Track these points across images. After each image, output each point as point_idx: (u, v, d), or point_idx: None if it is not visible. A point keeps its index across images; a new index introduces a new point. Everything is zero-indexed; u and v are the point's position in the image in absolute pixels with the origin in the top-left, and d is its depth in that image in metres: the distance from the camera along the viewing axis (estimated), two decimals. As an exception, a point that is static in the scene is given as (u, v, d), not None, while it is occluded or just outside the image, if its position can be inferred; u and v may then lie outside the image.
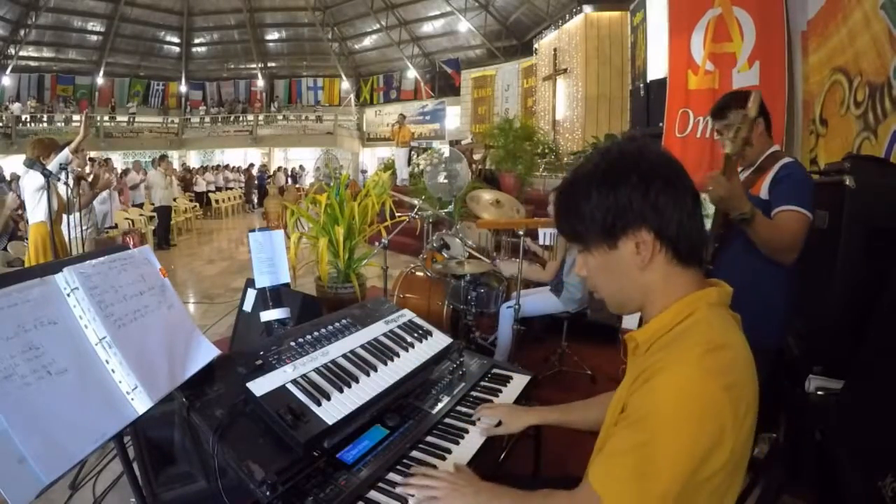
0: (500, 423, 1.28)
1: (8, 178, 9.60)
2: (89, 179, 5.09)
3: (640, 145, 0.80)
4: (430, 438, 1.26)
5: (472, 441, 1.26)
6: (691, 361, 0.69)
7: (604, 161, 0.79)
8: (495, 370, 1.64)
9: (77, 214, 3.92)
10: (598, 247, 0.80)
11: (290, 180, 17.69)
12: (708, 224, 1.97)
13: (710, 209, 1.59)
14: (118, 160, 15.50)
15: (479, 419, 1.31)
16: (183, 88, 21.11)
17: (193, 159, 20.38)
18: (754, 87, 3.40)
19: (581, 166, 0.83)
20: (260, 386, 1.12)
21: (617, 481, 0.70)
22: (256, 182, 17.35)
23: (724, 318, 0.77)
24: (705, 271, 1.83)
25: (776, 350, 1.79)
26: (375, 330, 1.51)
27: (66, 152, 3.58)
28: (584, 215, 0.79)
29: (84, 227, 3.93)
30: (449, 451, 1.21)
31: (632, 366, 0.85)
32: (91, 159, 8.97)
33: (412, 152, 11.10)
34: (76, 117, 17.21)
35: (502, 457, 1.54)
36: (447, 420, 1.34)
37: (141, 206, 9.78)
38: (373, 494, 1.06)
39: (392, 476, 1.11)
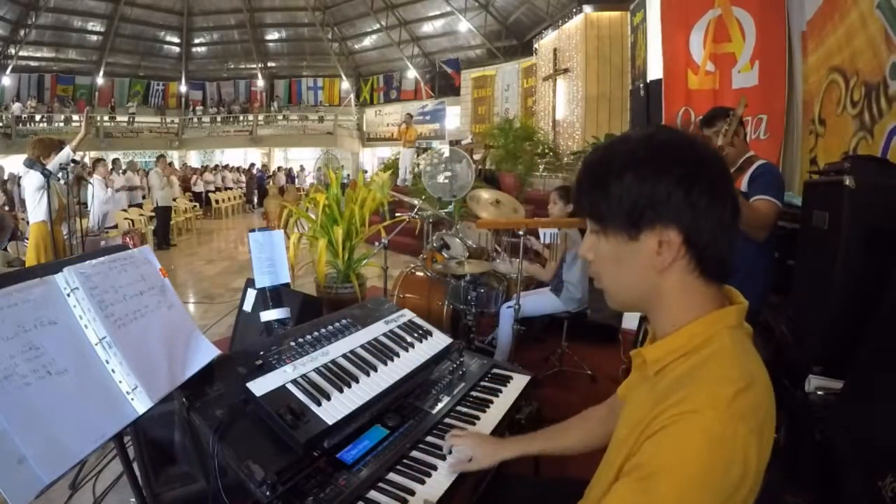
0: (471, 459, 1.14)
1: (6, 178, 9.59)
2: (90, 181, 5.09)
3: (691, 136, 0.72)
4: (430, 438, 1.26)
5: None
6: (719, 406, 0.61)
7: (649, 143, 0.70)
8: (495, 370, 1.64)
9: (67, 216, 3.91)
10: (616, 233, 0.71)
11: (288, 180, 17.68)
12: None
13: None
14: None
15: (449, 450, 1.16)
16: (183, 88, 21.11)
17: (193, 159, 20.38)
18: (754, 87, 3.41)
19: (619, 142, 0.74)
20: (260, 386, 1.12)
21: None
22: (256, 182, 17.35)
23: (745, 345, 0.70)
24: None
25: (754, 313, 2.04)
26: (375, 330, 1.51)
27: (66, 151, 3.59)
28: (611, 194, 0.70)
29: (70, 232, 3.91)
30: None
31: (640, 386, 0.79)
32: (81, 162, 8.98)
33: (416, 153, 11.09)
34: (76, 117, 17.22)
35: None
36: (447, 420, 1.34)
37: (141, 206, 9.79)
38: (373, 494, 1.06)
39: (392, 476, 1.11)
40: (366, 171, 16.81)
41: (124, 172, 9.70)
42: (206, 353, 1.19)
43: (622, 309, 0.80)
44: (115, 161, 10.73)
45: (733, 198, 0.70)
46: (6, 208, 6.70)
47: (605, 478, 0.76)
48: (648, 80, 5.21)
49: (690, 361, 0.69)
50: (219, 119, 20.55)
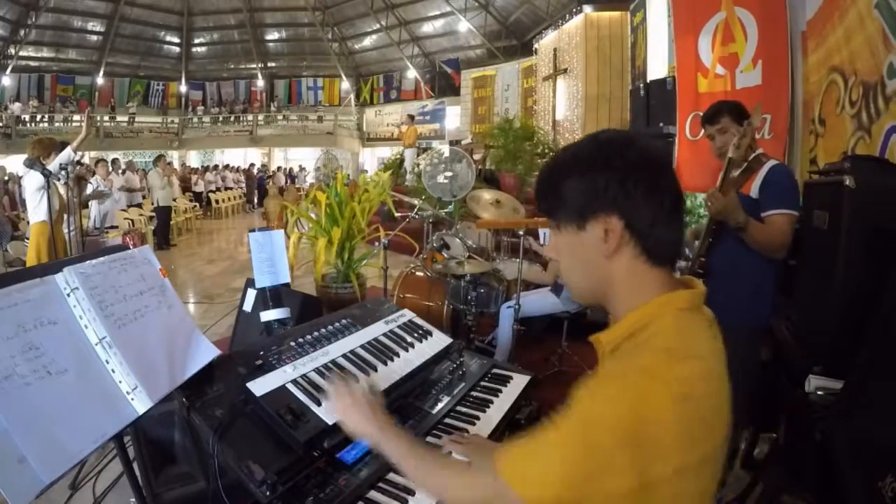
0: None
1: (6, 178, 9.59)
2: (90, 181, 5.10)
3: (632, 134, 0.79)
4: (430, 438, 1.26)
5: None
6: (648, 368, 0.65)
7: (591, 144, 0.79)
8: (495, 370, 1.64)
9: (70, 217, 3.91)
10: (567, 225, 0.79)
11: (288, 180, 17.69)
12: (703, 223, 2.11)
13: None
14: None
15: (448, 454, 1.16)
16: (183, 88, 21.11)
17: (193, 159, 20.38)
18: (757, 87, 3.41)
19: (569, 146, 0.83)
20: (260, 386, 1.12)
21: (521, 464, 0.69)
22: (256, 182, 17.36)
23: (694, 325, 0.74)
24: (699, 262, 1.96)
25: (766, 328, 2.03)
26: (375, 330, 1.51)
27: (68, 151, 3.59)
28: (560, 191, 0.78)
29: (70, 229, 3.91)
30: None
31: (599, 368, 0.83)
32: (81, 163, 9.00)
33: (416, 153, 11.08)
34: (76, 117, 17.23)
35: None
36: (447, 420, 1.34)
37: (140, 206, 9.79)
38: (373, 494, 1.06)
39: (392, 476, 1.11)
40: (365, 171, 16.85)
41: (123, 172, 9.70)
42: (206, 353, 1.19)
43: (585, 301, 0.86)
44: (114, 161, 10.72)
45: (673, 188, 0.76)
46: (6, 209, 6.70)
47: None
48: (648, 80, 5.21)
49: (635, 340, 0.74)
50: (219, 119, 20.55)
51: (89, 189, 6.57)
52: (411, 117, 11.74)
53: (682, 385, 0.64)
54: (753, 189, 1.93)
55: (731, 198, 1.79)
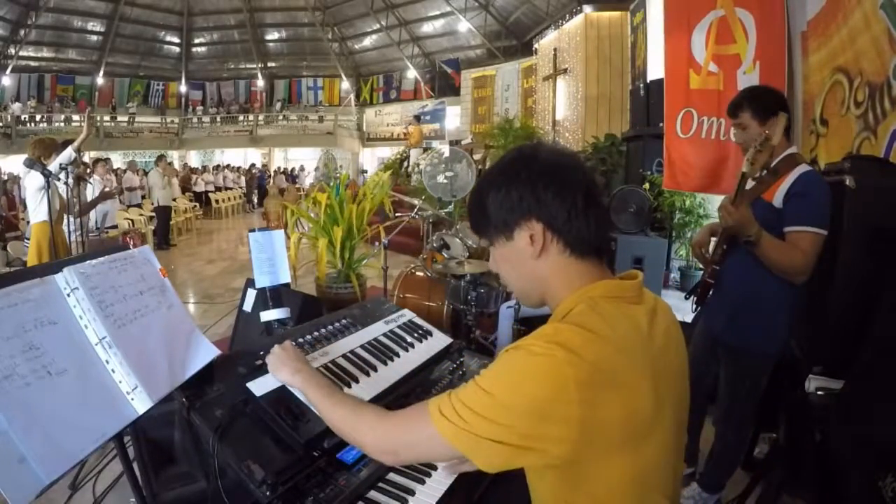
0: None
1: (4, 177, 9.59)
2: (90, 181, 5.09)
3: (536, 146, 0.87)
4: (430, 438, 1.26)
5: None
6: (544, 336, 0.73)
7: (502, 162, 0.88)
8: (495, 370, 1.64)
9: (70, 217, 3.91)
10: (498, 239, 0.87)
11: (288, 180, 17.69)
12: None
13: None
14: (117, 160, 15.51)
15: None
16: (183, 88, 21.11)
17: (193, 159, 20.38)
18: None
19: (488, 169, 0.92)
20: (260, 386, 1.12)
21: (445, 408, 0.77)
22: (256, 182, 17.36)
23: (608, 312, 0.78)
24: (712, 271, 1.86)
25: (777, 355, 1.81)
26: (375, 330, 1.51)
27: (69, 151, 3.59)
28: (486, 211, 0.86)
29: (74, 230, 3.92)
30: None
31: None
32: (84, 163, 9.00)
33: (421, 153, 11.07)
34: (76, 117, 17.23)
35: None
36: (447, 420, 1.34)
37: (140, 206, 9.79)
38: (373, 494, 1.06)
39: (392, 476, 1.11)
40: (365, 171, 16.86)
41: (123, 172, 9.69)
42: (206, 353, 1.19)
43: (529, 304, 0.92)
44: (106, 160, 10.69)
45: (580, 184, 0.82)
46: (5, 209, 6.70)
47: None
48: (648, 80, 5.20)
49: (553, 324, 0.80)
50: (219, 119, 20.55)
51: (89, 189, 6.57)
52: (417, 118, 11.74)
53: (577, 350, 0.70)
54: (777, 197, 1.67)
55: (742, 213, 1.60)
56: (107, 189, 6.73)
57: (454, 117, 17.35)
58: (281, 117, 20.65)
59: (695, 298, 2.00)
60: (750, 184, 1.76)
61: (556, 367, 0.69)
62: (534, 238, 0.82)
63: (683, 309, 2.32)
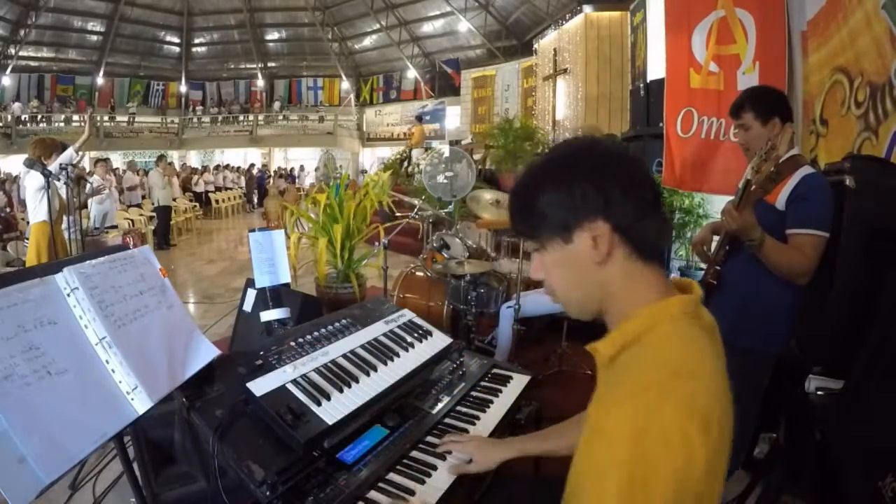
0: (471, 460, 1.16)
1: (2, 177, 9.59)
2: (90, 180, 5.09)
3: (593, 138, 0.80)
4: (430, 438, 1.26)
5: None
6: (646, 390, 0.62)
7: (557, 154, 0.78)
8: (495, 370, 1.64)
9: (67, 216, 3.91)
10: (553, 242, 0.76)
11: (288, 180, 17.69)
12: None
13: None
14: (117, 160, 15.51)
15: (448, 453, 1.20)
16: (183, 88, 21.09)
17: (193, 159, 20.38)
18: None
19: (533, 163, 0.81)
20: (260, 386, 1.12)
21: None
22: (256, 182, 17.35)
23: (688, 335, 0.70)
24: (714, 272, 1.86)
25: (777, 355, 1.81)
26: (375, 330, 1.51)
27: (70, 151, 3.59)
28: (538, 210, 0.75)
29: (65, 228, 3.92)
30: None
31: (599, 381, 0.80)
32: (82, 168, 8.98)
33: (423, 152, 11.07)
34: (76, 117, 17.23)
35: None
36: (447, 420, 1.34)
37: (140, 206, 9.78)
38: (373, 494, 1.06)
39: (392, 476, 1.11)
40: (365, 171, 16.87)
41: (123, 172, 9.69)
42: (206, 353, 1.19)
43: (582, 315, 0.81)
44: (105, 160, 10.66)
45: (649, 180, 0.75)
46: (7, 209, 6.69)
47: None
48: (648, 80, 5.20)
49: (631, 351, 0.71)
50: (219, 119, 20.54)
51: (87, 188, 6.56)
52: (419, 118, 11.73)
53: (689, 404, 0.61)
54: (780, 199, 1.67)
55: (746, 217, 1.60)
56: (104, 189, 6.73)
57: (454, 117, 17.35)
58: (281, 117, 20.64)
59: None
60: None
61: (675, 434, 0.58)
62: (597, 241, 0.72)
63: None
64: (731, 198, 1.75)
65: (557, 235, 0.75)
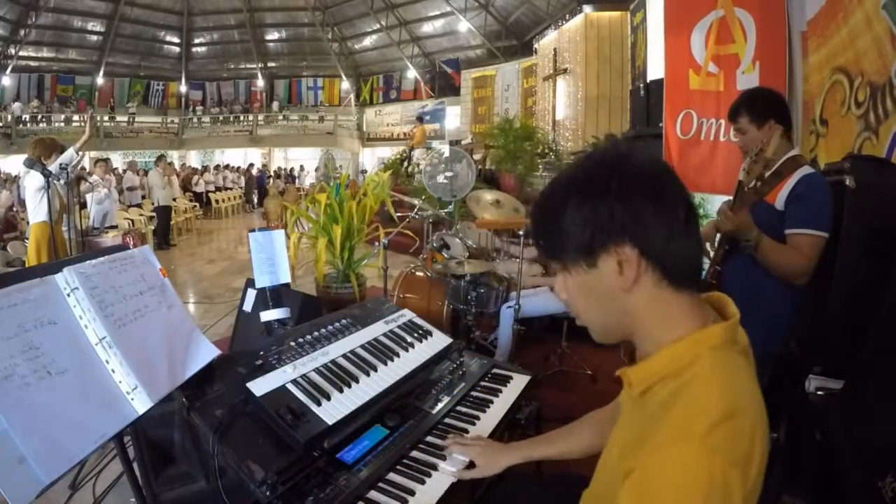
0: (472, 464, 1.15)
1: (3, 178, 9.60)
2: (90, 180, 5.09)
3: (624, 150, 0.72)
4: (430, 438, 1.26)
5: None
6: (692, 441, 0.59)
7: (582, 168, 0.71)
8: (495, 370, 1.64)
9: (67, 216, 3.92)
10: (576, 265, 0.71)
11: (288, 180, 17.69)
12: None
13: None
14: (117, 160, 15.51)
15: (449, 454, 1.18)
16: (183, 88, 21.10)
17: (193, 159, 20.38)
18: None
19: (559, 176, 0.75)
20: (260, 386, 1.12)
21: None
22: (256, 182, 17.36)
23: (730, 367, 0.66)
24: (714, 272, 1.85)
25: (777, 355, 1.82)
26: (375, 330, 1.51)
27: (70, 152, 3.60)
28: (560, 230, 0.70)
29: (66, 229, 3.92)
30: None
31: (628, 405, 0.79)
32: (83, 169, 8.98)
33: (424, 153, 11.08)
34: (76, 117, 17.23)
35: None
36: (447, 420, 1.34)
37: (140, 206, 9.78)
38: (373, 494, 1.06)
39: (392, 476, 1.11)
40: (365, 171, 16.86)
41: (123, 172, 9.69)
42: (206, 353, 1.19)
43: (608, 341, 0.77)
44: (105, 160, 10.67)
45: (683, 198, 0.69)
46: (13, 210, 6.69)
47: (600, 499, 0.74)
48: (648, 80, 5.21)
49: (671, 387, 0.67)
50: (219, 119, 20.54)
51: (84, 186, 6.57)
52: (420, 118, 11.74)
53: (733, 449, 0.59)
54: (779, 199, 1.66)
55: (741, 218, 1.62)
56: (100, 187, 6.73)
57: (454, 117, 17.36)
58: (281, 117, 20.65)
59: None
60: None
61: (718, 483, 0.57)
62: (623, 266, 0.67)
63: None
64: (730, 198, 1.76)
65: (581, 259, 0.70)
